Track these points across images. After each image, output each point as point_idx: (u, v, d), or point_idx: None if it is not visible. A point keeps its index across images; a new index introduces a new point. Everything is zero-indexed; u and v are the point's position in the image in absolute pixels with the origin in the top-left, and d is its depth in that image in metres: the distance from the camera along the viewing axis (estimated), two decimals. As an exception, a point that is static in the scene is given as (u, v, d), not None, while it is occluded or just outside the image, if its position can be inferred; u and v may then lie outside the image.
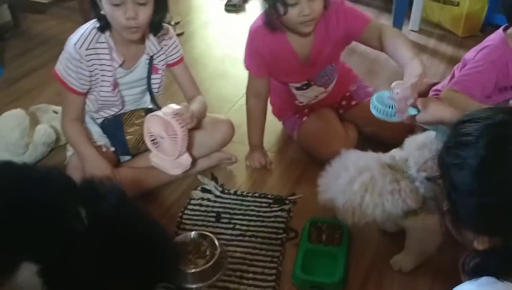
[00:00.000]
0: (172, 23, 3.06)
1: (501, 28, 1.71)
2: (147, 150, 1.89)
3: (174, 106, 1.71)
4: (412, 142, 1.45)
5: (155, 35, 1.74)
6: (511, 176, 0.89)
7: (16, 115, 1.97)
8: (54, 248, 1.21)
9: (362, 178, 1.36)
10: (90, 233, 1.22)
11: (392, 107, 1.48)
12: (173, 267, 1.37)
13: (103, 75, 1.71)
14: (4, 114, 1.98)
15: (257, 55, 1.86)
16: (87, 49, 1.64)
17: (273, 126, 2.17)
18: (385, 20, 3.12)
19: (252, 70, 1.92)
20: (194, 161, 1.86)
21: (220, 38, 3.15)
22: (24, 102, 2.36)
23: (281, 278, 1.52)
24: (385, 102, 1.52)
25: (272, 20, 1.76)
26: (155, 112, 1.72)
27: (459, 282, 0.97)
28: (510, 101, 1.75)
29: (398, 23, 3.00)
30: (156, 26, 1.70)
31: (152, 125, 1.74)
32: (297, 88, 2.00)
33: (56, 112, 2.15)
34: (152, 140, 1.79)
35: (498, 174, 0.90)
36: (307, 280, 1.48)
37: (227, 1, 3.49)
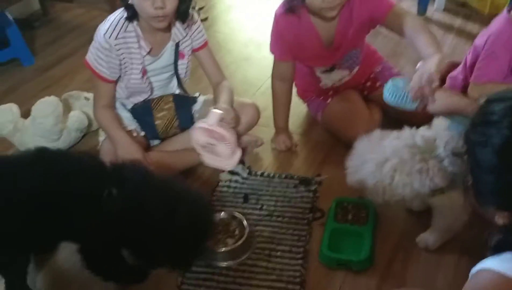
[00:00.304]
0: (196, 8, 3.09)
1: (504, 10, 1.70)
2: (175, 134, 1.94)
3: (216, 112, 1.68)
4: (441, 122, 1.46)
5: (183, 23, 1.77)
6: None
7: (50, 103, 2.03)
8: (90, 227, 1.28)
9: (392, 160, 1.38)
10: (120, 211, 1.28)
11: (406, 96, 1.49)
12: (203, 241, 1.41)
13: (132, 63, 1.75)
14: (38, 102, 2.04)
15: (282, 39, 1.87)
16: (116, 38, 1.68)
17: (297, 108, 2.19)
18: (410, 0, 3.08)
19: (277, 54, 1.94)
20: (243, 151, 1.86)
21: (244, 22, 3.16)
22: (55, 90, 2.43)
23: (308, 257, 1.56)
24: (399, 90, 1.53)
25: (294, 6, 1.76)
26: (199, 124, 1.71)
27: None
28: None
29: (423, 3, 2.96)
30: (183, 15, 1.73)
31: (199, 136, 1.72)
32: (322, 71, 2.01)
33: (87, 99, 2.21)
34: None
35: None
36: (334, 258, 1.51)
37: (251, -15, 3.49)
